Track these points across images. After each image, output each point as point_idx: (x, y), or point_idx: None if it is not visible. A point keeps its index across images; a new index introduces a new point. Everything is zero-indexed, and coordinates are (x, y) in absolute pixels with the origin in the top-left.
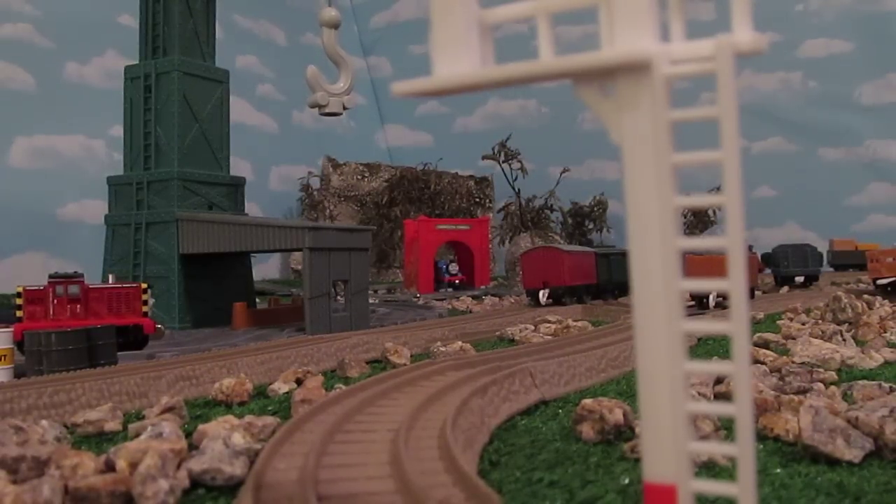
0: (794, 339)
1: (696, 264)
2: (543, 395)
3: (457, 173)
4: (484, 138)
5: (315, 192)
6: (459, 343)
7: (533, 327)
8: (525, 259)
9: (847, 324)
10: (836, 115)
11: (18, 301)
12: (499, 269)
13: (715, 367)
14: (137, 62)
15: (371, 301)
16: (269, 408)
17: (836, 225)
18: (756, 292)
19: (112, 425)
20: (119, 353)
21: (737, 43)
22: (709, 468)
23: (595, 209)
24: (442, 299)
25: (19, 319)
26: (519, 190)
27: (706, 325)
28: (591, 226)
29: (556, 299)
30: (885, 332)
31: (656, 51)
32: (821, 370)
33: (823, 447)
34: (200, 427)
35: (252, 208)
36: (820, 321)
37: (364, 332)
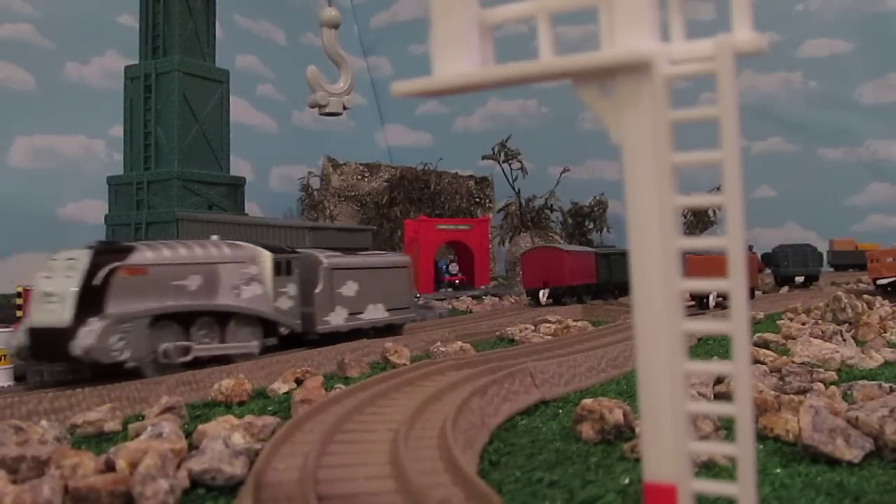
0: (794, 339)
1: (696, 264)
2: (543, 395)
3: (457, 173)
4: (484, 138)
5: (315, 192)
6: (459, 343)
7: (533, 327)
8: (525, 259)
9: (847, 324)
10: (836, 115)
11: (18, 301)
12: (499, 269)
13: (715, 367)
14: (137, 62)
15: None
16: (269, 408)
17: (836, 225)
18: (756, 292)
19: (112, 425)
20: None
21: (737, 43)
22: (709, 468)
23: (595, 209)
24: (442, 299)
25: (19, 319)
26: (519, 190)
27: (706, 325)
28: (591, 226)
29: (556, 299)
30: (885, 332)
31: (656, 51)
32: (821, 370)
33: (823, 447)
34: (200, 427)
35: (252, 208)
36: (820, 321)
37: None
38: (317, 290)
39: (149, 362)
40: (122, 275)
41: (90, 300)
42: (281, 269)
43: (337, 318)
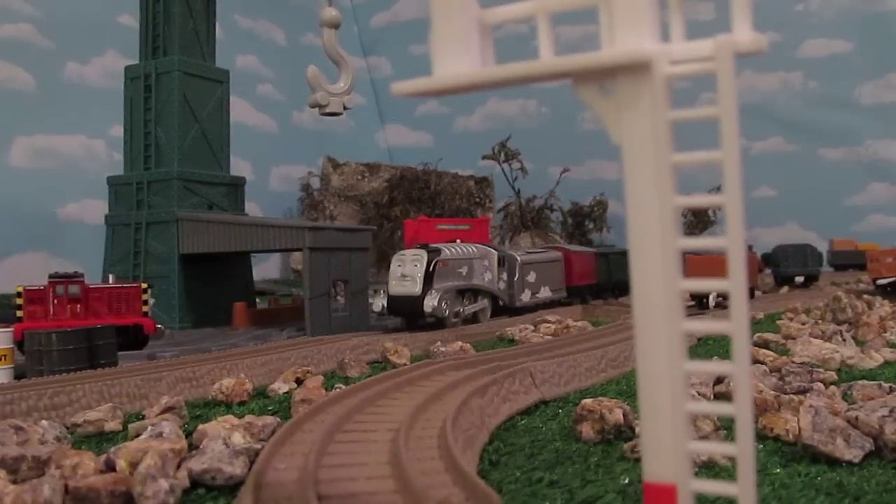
0: (794, 339)
1: (696, 264)
2: (543, 395)
3: (457, 173)
4: (484, 138)
5: (315, 192)
6: (459, 343)
7: (533, 327)
8: None
9: (847, 324)
10: (836, 115)
11: (19, 301)
12: None
13: (715, 367)
14: (137, 62)
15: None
16: (269, 408)
17: (836, 225)
18: (756, 292)
19: (112, 425)
20: (119, 352)
21: (737, 43)
22: (709, 468)
23: (595, 209)
24: None
25: (19, 319)
26: (519, 190)
27: (706, 325)
28: (591, 226)
29: None
30: (885, 332)
31: (656, 51)
32: (821, 370)
33: (823, 447)
34: (200, 427)
35: (252, 208)
36: (820, 321)
37: (364, 332)
38: (516, 278)
39: (451, 318)
40: (441, 265)
41: (427, 279)
42: (501, 263)
43: (526, 297)
